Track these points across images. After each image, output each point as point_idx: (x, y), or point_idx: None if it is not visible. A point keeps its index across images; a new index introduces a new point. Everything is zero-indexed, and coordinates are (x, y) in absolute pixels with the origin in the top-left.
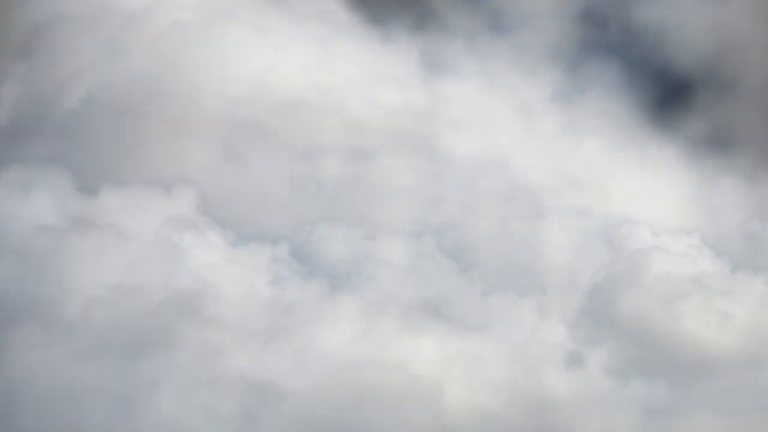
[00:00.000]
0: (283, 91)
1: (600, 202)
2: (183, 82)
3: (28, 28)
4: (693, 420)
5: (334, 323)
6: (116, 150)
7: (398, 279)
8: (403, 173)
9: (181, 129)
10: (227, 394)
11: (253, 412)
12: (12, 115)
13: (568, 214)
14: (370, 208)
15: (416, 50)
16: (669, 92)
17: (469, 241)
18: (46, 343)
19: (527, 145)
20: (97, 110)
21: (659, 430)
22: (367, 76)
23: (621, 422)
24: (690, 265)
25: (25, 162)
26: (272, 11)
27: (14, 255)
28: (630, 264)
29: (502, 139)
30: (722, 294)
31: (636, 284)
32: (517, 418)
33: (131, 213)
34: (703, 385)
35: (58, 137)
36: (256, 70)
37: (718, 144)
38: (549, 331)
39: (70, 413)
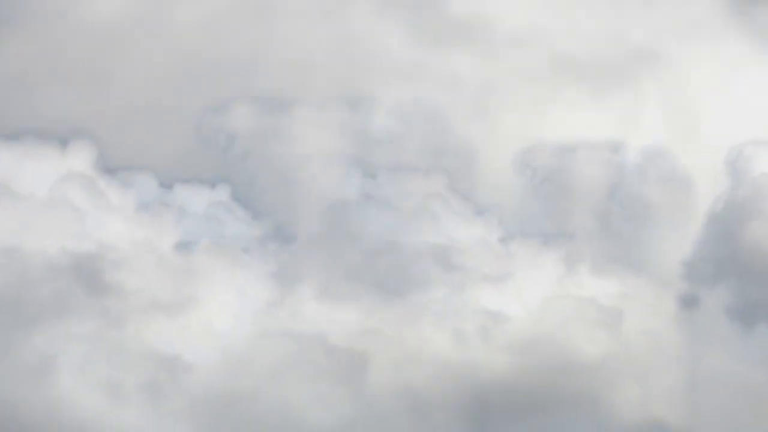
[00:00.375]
0: None
1: (680, 88)
2: None
3: None
4: None
5: (246, 290)
6: None
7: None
8: (393, 48)
9: None
10: (130, 368)
11: (158, 387)
12: None
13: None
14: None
15: None
16: None
17: (487, 175)
18: None
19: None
20: None
21: None
22: None
23: (744, 373)
24: None
25: None
26: None
27: None
28: (753, 191)
29: None
30: None
31: (763, 214)
32: (541, 384)
33: (24, 170)
34: None
35: None
36: None
37: None
38: (579, 283)
39: None
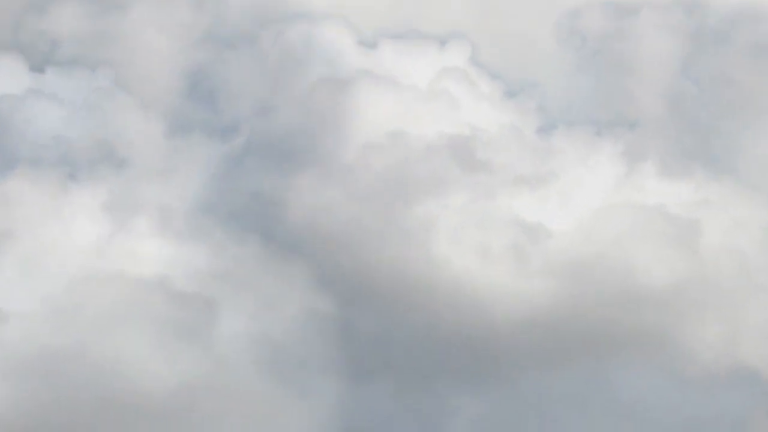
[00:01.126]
0: None
1: None
2: None
3: None
4: None
5: (71, 223)
6: None
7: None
8: None
9: None
10: None
11: None
12: None
13: None
14: None
15: None
16: None
17: (519, 49)
18: None
19: None
20: None
21: None
22: None
23: None
24: None
25: None
26: None
27: None
28: None
29: None
30: None
31: None
32: (592, 319)
33: None
34: None
35: None
36: None
37: None
38: (643, 187)
39: None
